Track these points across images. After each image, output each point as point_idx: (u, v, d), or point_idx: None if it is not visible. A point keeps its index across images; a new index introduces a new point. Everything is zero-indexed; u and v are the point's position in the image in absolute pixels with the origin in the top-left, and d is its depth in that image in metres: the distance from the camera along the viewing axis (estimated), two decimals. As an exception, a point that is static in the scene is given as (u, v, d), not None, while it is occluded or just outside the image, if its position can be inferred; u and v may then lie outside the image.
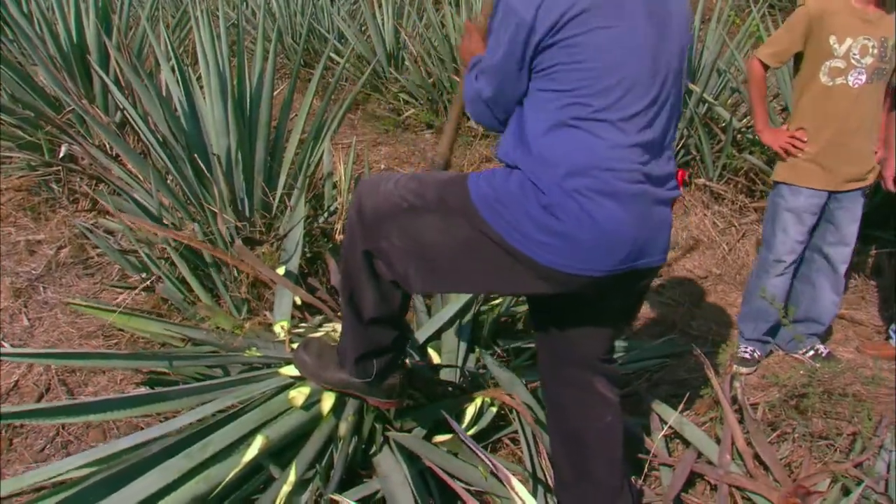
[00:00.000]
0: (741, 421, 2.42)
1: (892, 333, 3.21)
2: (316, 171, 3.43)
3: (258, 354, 2.25)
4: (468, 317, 2.53)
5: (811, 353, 3.11)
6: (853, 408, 2.49)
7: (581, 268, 1.52)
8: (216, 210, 2.79)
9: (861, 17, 2.62)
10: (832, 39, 2.62)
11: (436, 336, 2.52)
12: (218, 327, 2.44)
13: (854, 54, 2.62)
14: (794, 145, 2.77)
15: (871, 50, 2.62)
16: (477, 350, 2.52)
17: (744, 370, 2.99)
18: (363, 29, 6.92)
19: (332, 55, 6.55)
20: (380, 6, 6.68)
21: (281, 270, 2.41)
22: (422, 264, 1.63)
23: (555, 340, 1.83)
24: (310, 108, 3.47)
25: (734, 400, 2.54)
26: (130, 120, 3.31)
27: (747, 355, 3.05)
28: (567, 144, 1.49)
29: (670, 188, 1.63)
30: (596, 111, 1.47)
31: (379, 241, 1.65)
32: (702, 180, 4.39)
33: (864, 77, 2.64)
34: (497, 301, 2.71)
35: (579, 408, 1.84)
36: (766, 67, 2.80)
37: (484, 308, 2.65)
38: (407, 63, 6.26)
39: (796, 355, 3.12)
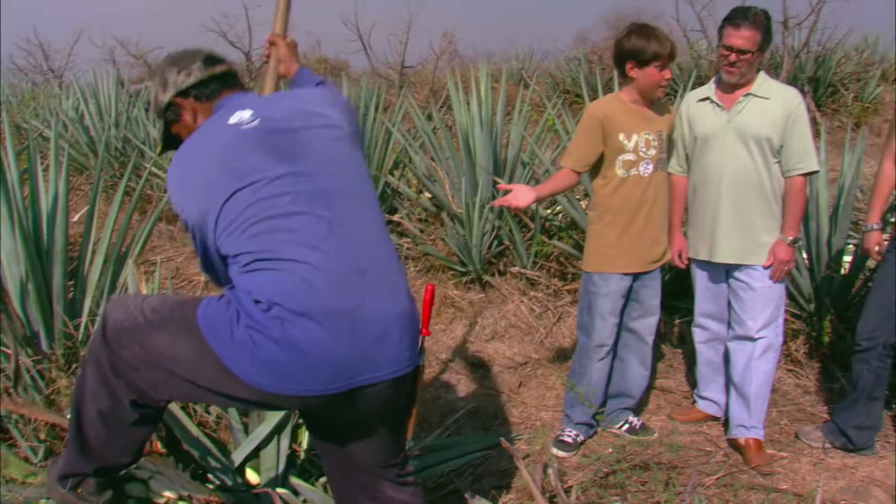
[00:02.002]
0: (556, 506, 2.49)
1: (696, 398, 3.44)
2: (122, 292, 3.29)
3: None
4: (286, 431, 2.49)
5: (626, 426, 3.26)
6: (656, 476, 2.63)
7: (288, 389, 1.57)
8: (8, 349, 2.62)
9: (639, 115, 2.94)
10: (621, 136, 2.90)
11: (254, 454, 2.45)
12: (8, 479, 2.26)
13: (641, 147, 2.91)
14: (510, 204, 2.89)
15: (652, 143, 2.93)
16: (297, 466, 2.47)
17: (561, 454, 3.07)
18: (181, 138, 6.83)
19: (146, 165, 6.40)
20: (196, 115, 6.62)
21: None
22: (159, 375, 1.67)
23: (331, 451, 1.88)
24: (114, 224, 3.36)
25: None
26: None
27: (570, 439, 3.13)
28: (255, 281, 1.60)
29: (397, 301, 1.67)
30: (260, 254, 1.60)
31: (120, 351, 1.69)
32: (516, 268, 4.60)
33: (651, 166, 2.94)
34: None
35: None
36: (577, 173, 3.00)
37: (301, 421, 2.61)
38: (228, 170, 6.20)
39: (613, 429, 3.27)
